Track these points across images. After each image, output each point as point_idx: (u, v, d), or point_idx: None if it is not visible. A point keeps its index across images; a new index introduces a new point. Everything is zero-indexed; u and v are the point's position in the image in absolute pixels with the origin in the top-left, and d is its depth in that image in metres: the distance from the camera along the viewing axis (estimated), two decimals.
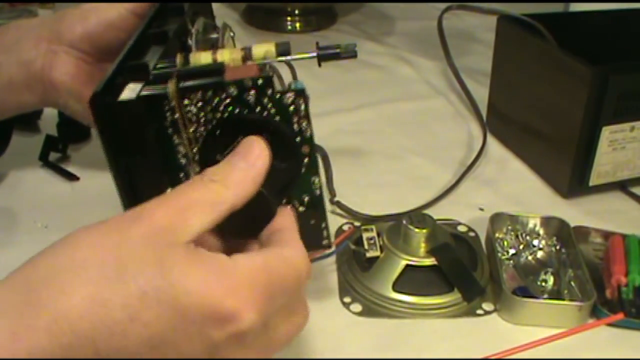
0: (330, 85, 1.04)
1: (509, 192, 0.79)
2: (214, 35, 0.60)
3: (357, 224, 0.70)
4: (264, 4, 1.26)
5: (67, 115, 0.70)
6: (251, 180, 0.43)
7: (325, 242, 0.53)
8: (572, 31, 0.81)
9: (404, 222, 0.63)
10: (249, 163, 0.43)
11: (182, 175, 0.50)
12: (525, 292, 0.61)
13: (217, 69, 0.48)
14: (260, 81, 0.47)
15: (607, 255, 0.65)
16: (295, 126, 0.48)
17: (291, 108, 0.48)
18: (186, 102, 0.47)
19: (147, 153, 0.48)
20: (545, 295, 0.62)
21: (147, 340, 0.36)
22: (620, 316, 0.58)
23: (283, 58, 0.53)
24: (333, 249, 0.65)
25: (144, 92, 0.47)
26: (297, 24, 1.27)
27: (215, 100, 0.47)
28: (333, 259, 0.66)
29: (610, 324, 0.59)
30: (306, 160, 0.50)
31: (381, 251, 0.63)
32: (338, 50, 0.54)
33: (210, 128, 0.48)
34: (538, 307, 0.59)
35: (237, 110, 0.47)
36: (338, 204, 0.72)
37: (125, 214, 0.39)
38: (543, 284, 0.63)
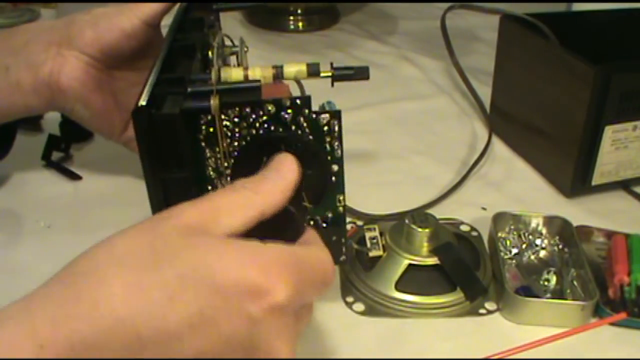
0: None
1: (511, 191, 0.79)
2: (235, 49, 0.62)
3: (359, 223, 0.70)
4: (267, 4, 1.26)
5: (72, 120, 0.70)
6: (281, 191, 0.44)
7: (342, 257, 0.54)
8: (574, 30, 0.81)
9: (407, 221, 0.63)
10: (280, 175, 0.44)
11: (210, 188, 0.51)
12: (527, 291, 0.61)
13: (255, 87, 0.49)
14: (298, 102, 0.48)
15: (609, 255, 0.65)
16: (327, 146, 0.49)
17: (325, 128, 0.49)
18: (223, 117, 0.48)
19: (184, 166, 0.48)
20: (548, 295, 0.62)
21: (187, 319, 0.36)
22: (622, 315, 0.58)
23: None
24: None
25: (187, 106, 0.47)
26: (300, 24, 1.27)
27: (252, 117, 0.48)
28: None
29: (612, 324, 0.59)
30: (333, 179, 0.51)
31: (384, 250, 0.63)
32: (352, 72, 0.57)
33: (245, 143, 0.49)
34: (541, 307, 0.59)
35: (273, 128, 0.48)
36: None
37: (156, 214, 0.41)
38: (546, 283, 0.63)
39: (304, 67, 0.54)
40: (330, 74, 0.56)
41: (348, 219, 0.71)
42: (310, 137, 0.49)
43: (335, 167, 0.51)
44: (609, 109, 0.70)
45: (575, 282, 0.62)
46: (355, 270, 0.63)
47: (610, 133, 0.72)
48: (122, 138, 0.71)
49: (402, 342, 0.58)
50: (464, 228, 0.71)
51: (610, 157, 0.74)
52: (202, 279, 0.37)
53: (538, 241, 0.68)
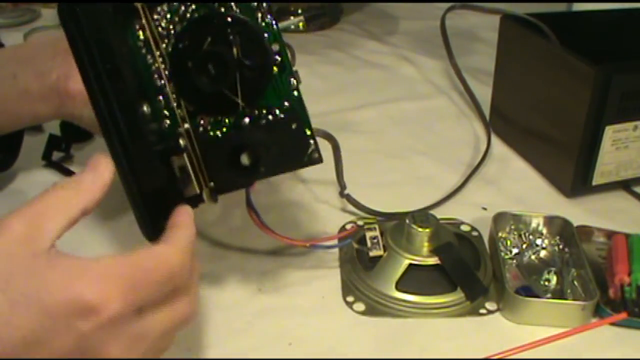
0: (333, 85, 1.04)
1: (512, 191, 0.79)
2: None
3: (360, 223, 0.70)
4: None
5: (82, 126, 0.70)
6: (99, 188, 0.45)
7: (314, 154, 0.52)
8: (575, 31, 0.81)
9: (407, 221, 0.63)
10: (97, 173, 0.46)
11: (161, 98, 0.50)
12: (528, 291, 0.61)
13: None
14: None
15: (610, 255, 0.65)
16: (262, 22, 0.48)
17: (253, 3, 0.48)
18: (156, 16, 0.48)
19: (121, 68, 0.47)
20: (548, 295, 0.62)
21: (21, 341, 0.39)
22: (623, 315, 0.58)
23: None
24: (335, 242, 0.65)
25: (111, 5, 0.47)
26: (300, 24, 1.26)
27: (182, 9, 0.48)
28: (336, 257, 0.66)
29: (613, 324, 0.59)
30: (277, 58, 0.50)
31: (384, 250, 0.63)
32: (323, 12, 0.54)
33: (177, 34, 0.49)
34: (541, 307, 0.59)
35: (202, 13, 0.48)
36: (348, 197, 0.71)
37: None
38: (546, 283, 0.63)
39: None
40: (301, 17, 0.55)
41: (353, 216, 0.72)
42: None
43: (275, 46, 0.49)
44: (609, 109, 0.70)
45: (575, 282, 0.62)
46: (356, 270, 0.63)
47: (610, 133, 0.72)
48: None
49: (403, 342, 0.58)
50: (464, 228, 0.71)
51: (610, 157, 0.74)
52: (32, 303, 0.39)
53: (538, 241, 0.68)
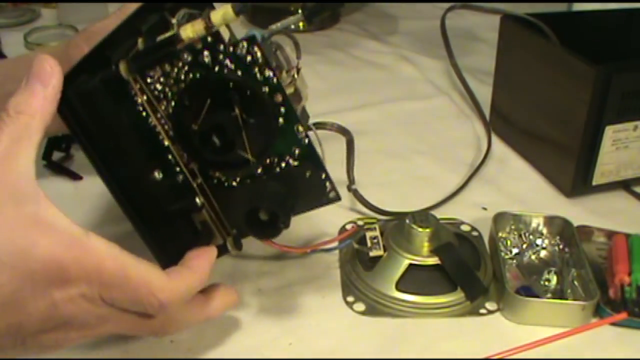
0: (333, 85, 1.04)
1: (512, 191, 0.79)
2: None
3: (360, 223, 0.70)
4: (267, 4, 1.26)
5: None
6: (50, 101, 0.45)
7: (332, 194, 0.52)
8: (575, 31, 0.81)
9: (407, 221, 0.63)
10: (44, 84, 0.45)
11: (170, 157, 0.50)
12: (528, 291, 0.61)
13: (169, 41, 0.48)
14: (209, 39, 0.47)
15: (610, 255, 0.65)
16: (259, 76, 0.48)
17: (248, 58, 0.47)
18: (149, 80, 0.47)
19: (126, 140, 0.48)
20: (549, 295, 0.62)
21: (0, 299, 0.40)
22: (623, 315, 0.58)
23: (273, 29, 0.53)
24: (335, 244, 0.65)
25: (99, 77, 0.47)
26: (300, 24, 1.26)
27: (175, 72, 0.47)
28: (336, 257, 0.66)
29: (613, 324, 0.59)
30: (282, 110, 0.49)
31: (384, 250, 0.63)
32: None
33: (175, 100, 0.48)
34: (541, 307, 0.59)
35: (199, 74, 0.48)
36: (355, 193, 0.71)
37: None
38: (546, 283, 0.63)
39: (229, 9, 0.50)
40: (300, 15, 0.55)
41: (353, 216, 0.72)
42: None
43: (279, 97, 0.49)
44: (609, 109, 0.70)
45: (575, 282, 0.62)
46: (356, 270, 0.63)
47: (610, 133, 0.72)
48: None
49: (403, 342, 0.58)
50: (464, 228, 0.71)
51: (610, 157, 0.74)
52: (17, 264, 0.40)
53: (539, 241, 0.68)
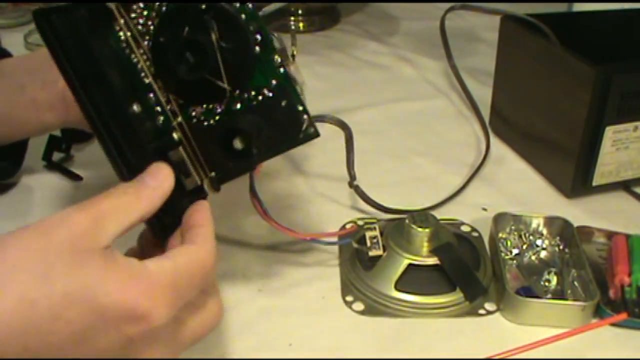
0: (333, 85, 1.04)
1: (512, 192, 0.79)
2: None
3: (360, 222, 0.70)
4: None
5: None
6: (159, 197, 0.47)
7: (310, 130, 0.51)
8: (575, 31, 0.81)
9: (407, 221, 0.63)
10: (157, 182, 0.47)
11: (151, 95, 0.50)
12: (528, 292, 0.61)
13: None
14: None
15: (610, 255, 0.65)
16: (237, 4, 0.48)
17: None
18: (133, 15, 0.47)
19: (106, 71, 0.47)
20: (549, 295, 0.62)
21: (70, 336, 0.39)
22: (623, 316, 0.58)
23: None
24: (335, 239, 0.65)
25: (86, 6, 0.46)
26: (301, 24, 1.27)
27: (156, 5, 0.48)
28: (336, 257, 0.66)
29: (613, 324, 0.59)
30: (258, 37, 0.49)
31: (384, 250, 0.63)
32: None
33: (154, 28, 0.48)
34: (541, 307, 0.59)
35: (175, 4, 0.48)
36: (356, 189, 0.70)
37: (48, 218, 0.42)
38: (546, 283, 0.63)
39: None
40: None
41: (352, 216, 0.72)
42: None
43: (254, 25, 0.49)
44: (609, 110, 0.70)
45: (575, 283, 0.62)
46: (355, 269, 0.63)
47: (610, 133, 0.72)
48: None
49: (402, 342, 0.58)
50: (464, 228, 0.71)
51: (610, 158, 0.74)
52: (87, 299, 0.40)
53: (539, 242, 0.68)
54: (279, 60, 0.50)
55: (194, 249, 0.46)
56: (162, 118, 0.51)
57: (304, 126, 0.51)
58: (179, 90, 0.51)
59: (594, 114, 0.71)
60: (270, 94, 0.50)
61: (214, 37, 0.48)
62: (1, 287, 0.39)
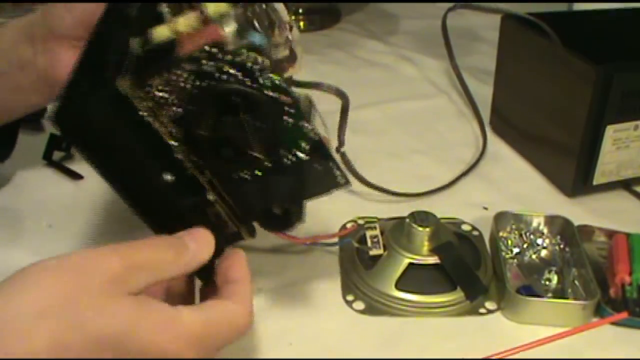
0: (333, 84, 1.04)
1: (513, 191, 0.79)
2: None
3: (360, 222, 0.70)
4: None
5: None
6: (197, 263, 0.47)
7: (341, 180, 0.52)
8: (576, 30, 0.81)
9: (407, 220, 0.63)
10: (199, 248, 0.47)
11: (179, 156, 0.49)
12: (529, 291, 0.61)
13: (167, 48, 0.47)
14: (210, 48, 0.46)
15: (611, 254, 0.65)
16: (262, 80, 0.47)
17: (249, 64, 0.47)
18: (149, 89, 0.47)
19: (132, 150, 0.47)
20: (549, 294, 0.62)
21: None
22: (624, 315, 0.58)
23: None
24: (336, 240, 0.65)
25: (100, 96, 0.46)
26: (301, 23, 1.27)
27: (175, 80, 0.47)
28: (336, 256, 0.66)
29: (614, 323, 0.59)
30: (290, 110, 0.49)
31: (384, 249, 0.63)
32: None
33: (180, 107, 0.48)
34: (542, 306, 0.59)
35: (202, 83, 0.47)
36: (343, 156, 0.71)
37: (78, 256, 0.42)
38: (547, 282, 0.63)
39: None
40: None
41: (353, 215, 0.71)
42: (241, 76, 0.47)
43: (285, 98, 0.48)
44: (610, 109, 0.70)
45: (576, 282, 0.62)
46: (356, 268, 0.63)
47: (611, 132, 0.72)
48: None
49: (402, 341, 0.58)
50: (465, 227, 0.71)
51: (611, 157, 0.74)
52: (119, 344, 0.40)
53: (539, 240, 0.68)
54: (309, 126, 0.50)
55: (231, 307, 0.46)
56: (190, 174, 0.50)
57: (337, 180, 0.52)
58: (210, 162, 0.51)
59: (595, 113, 0.71)
60: (303, 157, 0.50)
61: (242, 117, 0.48)
62: (32, 331, 0.38)
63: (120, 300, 0.41)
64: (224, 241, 0.52)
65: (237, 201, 0.52)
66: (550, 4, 1.14)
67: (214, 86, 0.47)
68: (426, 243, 0.62)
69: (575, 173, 0.75)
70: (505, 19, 0.85)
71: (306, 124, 0.49)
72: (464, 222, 0.71)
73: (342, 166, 0.53)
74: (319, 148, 0.50)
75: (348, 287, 0.63)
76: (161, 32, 0.48)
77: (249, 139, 0.49)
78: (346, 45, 1.20)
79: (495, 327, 0.59)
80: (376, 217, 0.70)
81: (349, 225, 0.70)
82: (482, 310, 0.61)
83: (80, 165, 0.79)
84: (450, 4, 0.95)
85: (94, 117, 0.46)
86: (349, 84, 1.05)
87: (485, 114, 0.93)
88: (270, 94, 0.48)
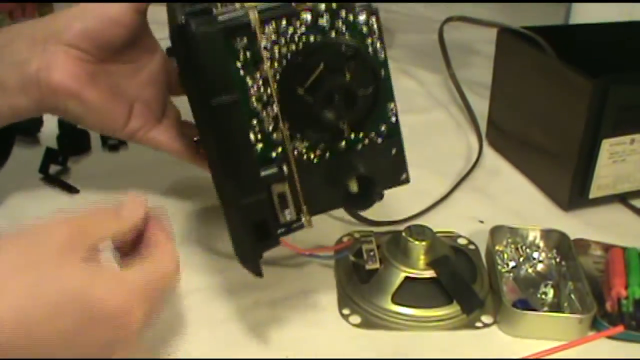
0: None
1: (509, 204, 0.79)
2: None
3: (356, 235, 0.70)
4: None
5: (66, 121, 0.68)
6: (131, 222, 0.51)
7: (404, 175, 0.54)
8: (572, 44, 0.81)
9: (404, 234, 0.63)
10: (133, 209, 0.51)
11: (255, 122, 0.49)
12: (525, 304, 0.61)
13: (285, 3, 0.48)
14: (334, 5, 0.47)
15: (607, 268, 0.65)
16: (370, 48, 0.48)
17: (365, 29, 0.47)
18: (259, 38, 0.47)
19: (231, 88, 0.46)
20: (546, 308, 0.62)
21: (64, 334, 0.42)
22: (620, 329, 0.58)
23: None
24: (332, 253, 0.65)
25: (227, 23, 0.46)
26: None
27: (290, 31, 0.47)
28: (332, 270, 0.66)
29: (610, 337, 0.59)
30: (383, 85, 0.49)
31: (380, 263, 0.63)
32: None
33: (290, 58, 0.48)
34: (538, 320, 0.59)
35: (312, 38, 0.47)
36: None
37: (32, 227, 0.46)
38: (543, 296, 0.63)
39: None
40: None
41: (349, 229, 0.71)
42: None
43: (382, 72, 0.49)
44: (606, 122, 0.70)
45: (572, 295, 0.62)
46: (352, 282, 0.63)
47: (607, 146, 0.72)
48: (126, 131, 0.67)
49: (399, 355, 0.58)
50: (461, 241, 0.71)
51: (607, 171, 0.74)
52: (77, 306, 0.42)
53: (535, 254, 0.68)
54: (394, 109, 0.50)
55: (159, 258, 0.50)
56: (261, 145, 0.50)
57: (402, 173, 0.53)
58: (296, 123, 0.50)
59: (591, 127, 0.71)
60: (379, 140, 0.50)
61: (348, 77, 0.48)
62: (7, 290, 0.41)
63: (73, 266, 0.43)
64: (281, 228, 0.53)
65: (305, 177, 0.52)
66: (546, 18, 1.14)
67: (327, 40, 0.47)
68: (422, 257, 0.62)
69: (572, 186, 0.75)
70: (501, 32, 0.86)
71: (392, 106, 0.49)
72: (460, 236, 0.71)
73: None
74: (395, 133, 0.52)
75: (344, 300, 0.62)
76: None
77: (354, 96, 0.48)
78: None
79: (491, 341, 0.59)
80: (372, 231, 0.70)
81: (345, 239, 0.70)
82: (478, 324, 0.61)
83: (77, 179, 0.79)
84: (446, 17, 0.96)
85: (215, 42, 0.45)
86: None
87: (482, 127, 0.93)
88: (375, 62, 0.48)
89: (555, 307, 0.62)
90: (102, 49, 0.64)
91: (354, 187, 0.50)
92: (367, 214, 0.71)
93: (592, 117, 0.70)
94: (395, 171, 0.52)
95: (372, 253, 0.64)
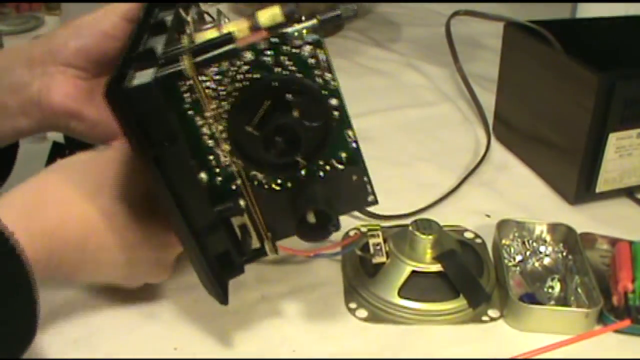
0: None
1: (515, 198, 0.79)
2: (209, 25, 0.57)
3: (363, 229, 0.70)
4: None
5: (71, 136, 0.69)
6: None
7: (370, 198, 0.53)
8: (578, 38, 0.81)
9: (410, 228, 0.63)
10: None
11: (212, 157, 0.49)
12: (531, 298, 0.61)
13: (227, 39, 0.48)
14: (274, 40, 0.46)
15: (613, 262, 0.65)
16: (319, 80, 0.47)
17: (311, 61, 0.47)
18: (203, 78, 0.46)
19: (175, 140, 0.46)
20: (552, 302, 0.62)
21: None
22: (626, 323, 0.58)
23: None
24: (338, 250, 0.65)
25: (160, 74, 0.46)
26: (304, 31, 1.27)
27: (232, 71, 0.47)
28: (339, 264, 0.66)
29: (616, 331, 0.59)
30: (336, 113, 0.49)
31: (387, 257, 0.63)
32: (339, 12, 0.51)
33: (234, 99, 0.47)
34: (545, 314, 0.59)
35: (257, 76, 0.47)
36: None
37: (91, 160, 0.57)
38: (550, 290, 0.63)
39: (277, 10, 0.50)
40: (315, 21, 0.50)
41: (356, 223, 0.71)
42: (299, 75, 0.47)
43: (334, 101, 0.49)
44: (612, 116, 0.70)
45: (579, 290, 0.62)
46: (359, 276, 0.63)
47: (614, 140, 0.72)
48: None
49: (405, 348, 0.58)
50: (468, 235, 0.71)
51: (614, 165, 0.74)
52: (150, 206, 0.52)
53: (542, 248, 0.68)
54: (352, 135, 0.50)
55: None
56: (220, 179, 0.50)
57: (368, 196, 0.53)
58: (250, 160, 0.50)
59: (597, 121, 0.71)
60: (341, 167, 0.51)
61: (297, 114, 0.48)
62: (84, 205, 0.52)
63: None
64: (245, 257, 0.53)
65: (264, 210, 0.52)
66: (553, 12, 1.14)
67: (271, 76, 0.47)
68: (429, 251, 0.62)
69: (578, 181, 0.75)
70: (507, 26, 0.85)
71: (350, 133, 0.49)
72: (466, 230, 0.71)
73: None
74: (357, 159, 0.51)
75: (351, 294, 0.63)
76: (211, 34, 0.50)
77: (298, 136, 0.48)
78: (349, 53, 1.20)
79: (498, 335, 0.59)
80: (379, 225, 0.70)
81: (351, 233, 0.70)
82: (484, 318, 0.61)
83: None
84: (453, 11, 0.96)
85: (151, 93, 0.45)
86: (353, 91, 1.05)
87: (489, 121, 0.93)
88: (325, 93, 0.48)
89: (562, 301, 0.62)
90: (98, 64, 0.64)
91: (311, 218, 0.51)
92: (374, 208, 0.71)
93: (598, 111, 0.70)
94: (358, 196, 0.52)
95: (378, 247, 0.64)
